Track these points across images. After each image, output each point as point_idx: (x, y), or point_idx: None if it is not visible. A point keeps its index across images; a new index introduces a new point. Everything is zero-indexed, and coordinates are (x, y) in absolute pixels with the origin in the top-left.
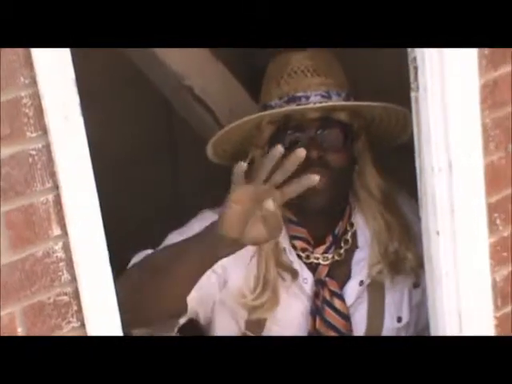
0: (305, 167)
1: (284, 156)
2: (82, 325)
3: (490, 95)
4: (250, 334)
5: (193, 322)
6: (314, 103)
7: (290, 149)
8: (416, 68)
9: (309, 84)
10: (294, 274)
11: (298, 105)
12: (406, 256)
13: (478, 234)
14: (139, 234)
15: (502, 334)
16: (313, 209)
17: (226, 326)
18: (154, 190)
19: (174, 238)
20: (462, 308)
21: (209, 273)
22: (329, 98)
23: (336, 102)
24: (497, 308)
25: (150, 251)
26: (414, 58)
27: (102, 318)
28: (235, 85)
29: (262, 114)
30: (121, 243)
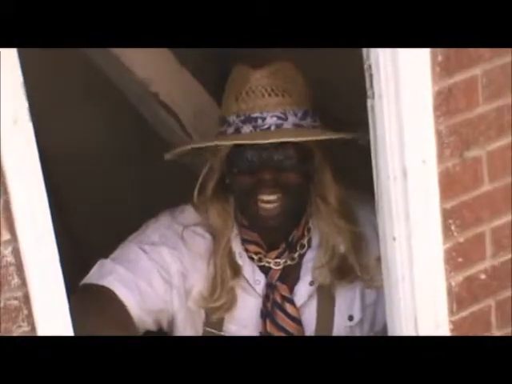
0: (259, 188)
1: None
2: (33, 328)
3: (445, 102)
4: (211, 331)
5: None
6: (269, 126)
7: (245, 169)
8: (371, 76)
9: (265, 104)
10: (240, 276)
11: (254, 126)
12: (352, 265)
13: (433, 240)
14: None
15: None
16: (267, 226)
17: (186, 328)
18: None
19: (130, 243)
20: (418, 312)
21: (161, 291)
22: (285, 118)
23: (292, 123)
24: (452, 313)
25: (107, 261)
26: (369, 66)
27: (53, 321)
28: (199, 90)
29: (219, 143)
30: (80, 247)
